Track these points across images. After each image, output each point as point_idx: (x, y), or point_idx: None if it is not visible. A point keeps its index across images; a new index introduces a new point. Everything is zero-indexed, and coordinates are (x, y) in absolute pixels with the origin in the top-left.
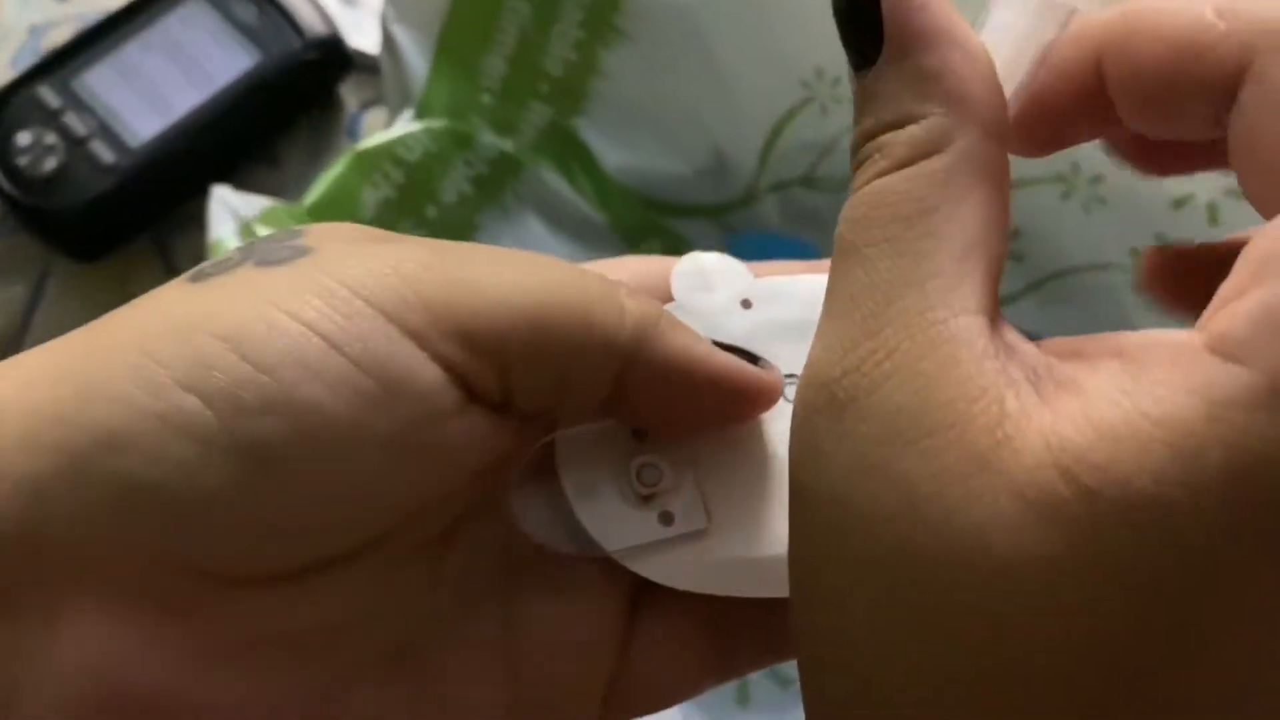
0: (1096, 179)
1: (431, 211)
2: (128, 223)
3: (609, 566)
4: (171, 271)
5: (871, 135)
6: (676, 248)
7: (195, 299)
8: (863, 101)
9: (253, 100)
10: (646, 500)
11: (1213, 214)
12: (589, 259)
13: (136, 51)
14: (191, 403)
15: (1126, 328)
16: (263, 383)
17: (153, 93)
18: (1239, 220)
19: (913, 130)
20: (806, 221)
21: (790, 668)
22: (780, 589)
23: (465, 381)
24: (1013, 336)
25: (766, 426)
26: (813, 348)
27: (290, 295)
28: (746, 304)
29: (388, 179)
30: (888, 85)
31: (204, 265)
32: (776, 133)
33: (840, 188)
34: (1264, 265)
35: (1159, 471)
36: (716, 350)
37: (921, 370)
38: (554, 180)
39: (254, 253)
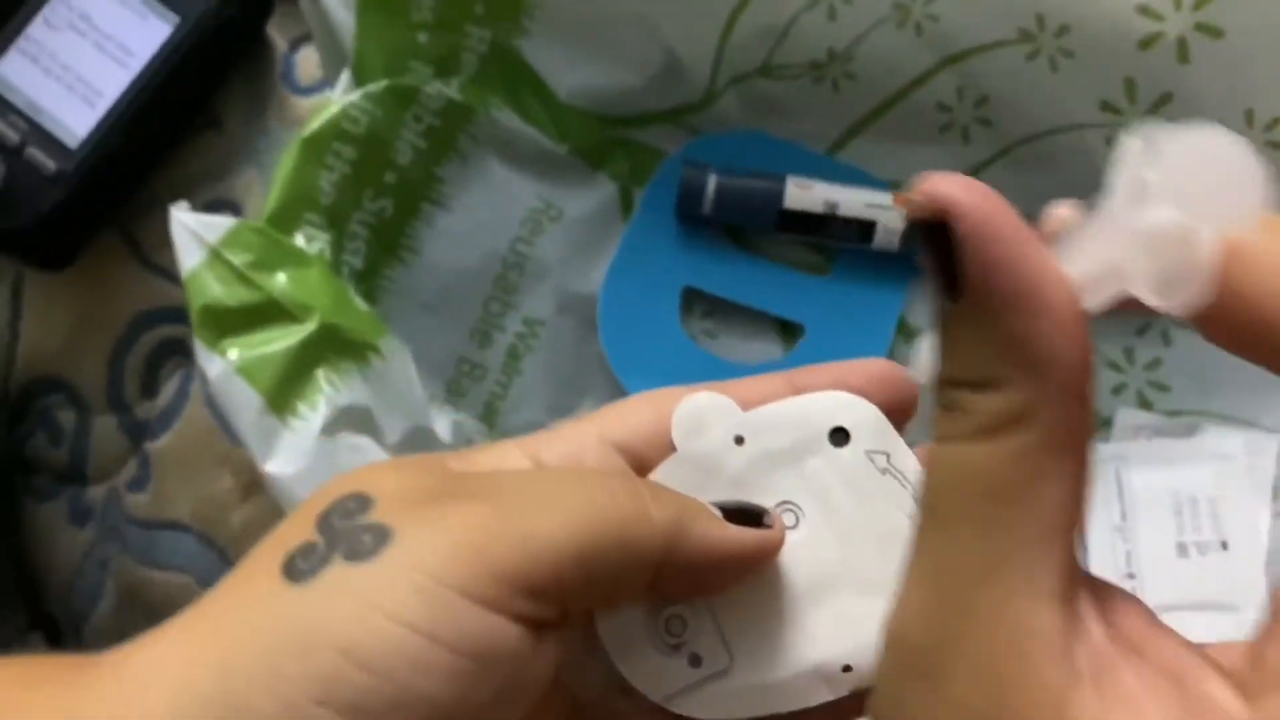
0: (1063, 29)
1: (390, 176)
2: (88, 223)
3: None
4: (145, 264)
5: (953, 385)
6: (642, 158)
7: (303, 607)
8: (944, 343)
9: (180, 71)
10: (676, 649)
11: (1182, 51)
12: (553, 191)
13: (42, 31)
14: (323, 715)
15: (1098, 190)
16: (380, 687)
17: (76, 80)
18: (1209, 56)
19: (994, 399)
20: (768, 112)
21: None
22: (799, 700)
23: (535, 623)
24: (1085, 606)
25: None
26: (899, 602)
27: (386, 597)
28: (739, 440)
29: (340, 158)
30: (968, 339)
31: (294, 556)
32: (730, 24)
33: (800, 73)
34: None
35: None
36: (730, 530)
37: (997, 670)
38: (507, 118)
39: (338, 541)
